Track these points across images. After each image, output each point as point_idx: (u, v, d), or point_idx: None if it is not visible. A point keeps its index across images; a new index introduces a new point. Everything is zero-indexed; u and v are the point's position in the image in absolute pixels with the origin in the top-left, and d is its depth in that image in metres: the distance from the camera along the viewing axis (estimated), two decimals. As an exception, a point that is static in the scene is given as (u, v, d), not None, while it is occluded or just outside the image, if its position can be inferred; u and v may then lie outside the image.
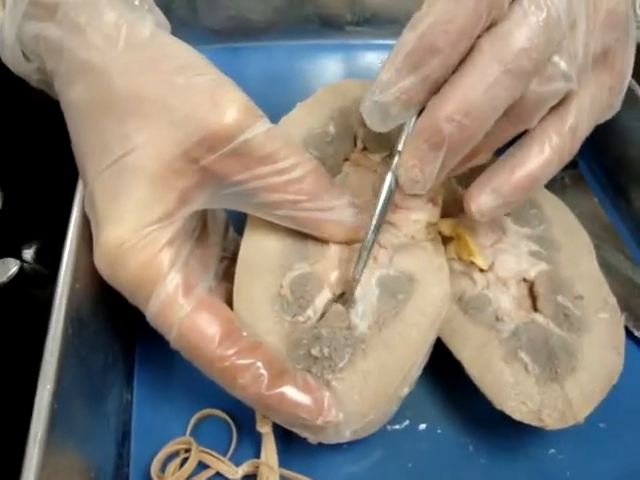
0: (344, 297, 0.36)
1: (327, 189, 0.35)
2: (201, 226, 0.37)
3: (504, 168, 0.34)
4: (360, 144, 0.44)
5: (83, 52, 0.33)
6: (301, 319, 0.35)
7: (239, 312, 0.35)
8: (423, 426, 0.40)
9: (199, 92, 0.32)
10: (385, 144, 0.43)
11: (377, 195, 0.34)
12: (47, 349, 0.32)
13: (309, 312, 0.35)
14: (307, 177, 0.34)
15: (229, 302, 0.36)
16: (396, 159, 0.33)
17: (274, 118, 0.34)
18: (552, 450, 0.39)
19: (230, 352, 0.32)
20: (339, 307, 0.35)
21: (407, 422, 0.40)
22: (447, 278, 0.38)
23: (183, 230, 0.34)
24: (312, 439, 0.35)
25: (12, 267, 0.45)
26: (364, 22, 0.61)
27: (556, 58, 0.30)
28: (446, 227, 0.41)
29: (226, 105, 0.32)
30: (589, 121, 0.34)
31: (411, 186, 0.32)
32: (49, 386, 0.30)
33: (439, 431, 0.40)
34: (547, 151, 0.33)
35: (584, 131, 0.34)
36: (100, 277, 0.33)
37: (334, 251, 0.38)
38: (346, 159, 0.44)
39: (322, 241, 0.38)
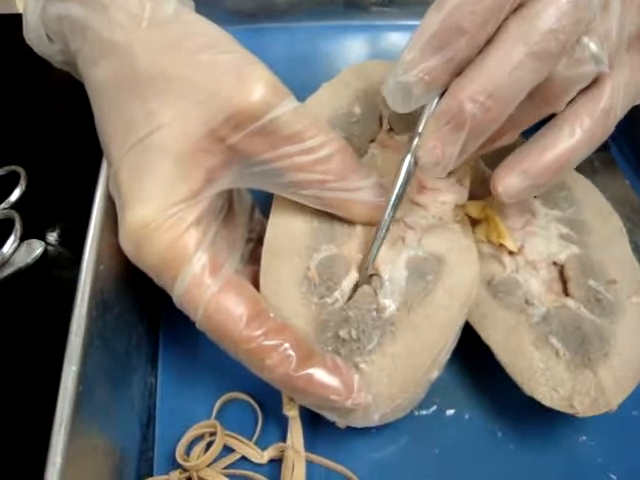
0: (370, 278, 0.36)
1: (354, 169, 0.35)
2: (227, 206, 0.37)
3: (533, 149, 0.33)
4: (386, 125, 0.43)
5: (107, 31, 0.33)
6: (329, 301, 0.35)
7: (266, 294, 0.35)
8: (451, 411, 0.40)
9: (225, 70, 0.32)
10: (411, 125, 0.42)
11: (395, 177, 0.33)
12: (72, 331, 0.32)
13: (336, 294, 0.35)
14: (334, 156, 0.34)
15: (255, 284, 0.35)
16: (416, 141, 0.32)
17: (298, 99, 0.33)
18: (583, 437, 0.39)
19: (257, 333, 0.32)
20: (367, 289, 0.35)
21: (435, 407, 0.40)
22: (476, 259, 0.37)
23: (210, 210, 0.33)
24: (340, 422, 0.34)
25: (37, 248, 0.45)
26: (389, 2, 0.60)
27: (585, 40, 0.29)
28: (474, 209, 0.40)
29: (253, 83, 0.31)
30: (623, 104, 0.33)
31: (431, 168, 0.31)
32: (74, 368, 0.30)
33: (467, 417, 0.39)
34: (578, 133, 0.32)
35: (618, 114, 0.33)
36: (124, 259, 0.33)
37: (360, 232, 0.37)
38: (372, 140, 0.43)
39: (348, 222, 0.37)
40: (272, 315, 0.33)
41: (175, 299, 0.33)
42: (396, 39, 0.61)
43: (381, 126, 0.43)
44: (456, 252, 0.37)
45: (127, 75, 0.33)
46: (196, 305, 0.32)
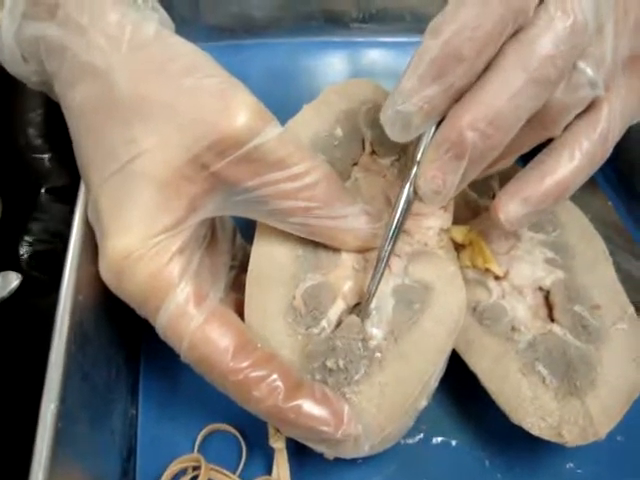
0: (359, 307, 0.35)
1: (340, 196, 0.34)
2: (210, 234, 0.36)
3: (533, 175, 0.32)
4: (369, 147, 0.43)
5: (85, 54, 0.32)
6: (315, 331, 0.34)
7: (251, 324, 0.34)
8: (438, 440, 0.39)
9: (208, 95, 0.31)
10: (393, 148, 0.42)
11: (394, 207, 0.33)
12: (50, 366, 0.30)
13: (323, 323, 0.34)
14: (319, 183, 0.33)
15: (239, 313, 0.34)
16: (414, 170, 0.31)
17: (278, 116, 0.33)
18: (570, 464, 0.39)
19: (244, 364, 0.31)
20: (354, 318, 0.34)
21: (421, 436, 0.39)
22: (462, 286, 0.37)
23: (193, 238, 0.33)
24: (329, 454, 0.34)
25: (13, 281, 0.43)
26: (369, 19, 0.60)
27: (582, 64, 0.30)
28: (458, 234, 0.40)
29: (237, 108, 0.31)
30: (620, 125, 0.33)
31: (432, 198, 0.31)
32: (52, 405, 0.29)
33: (454, 445, 0.39)
34: (578, 157, 0.32)
35: (616, 136, 0.33)
36: (103, 288, 0.32)
37: (346, 260, 0.37)
38: (355, 163, 0.42)
39: (334, 250, 0.37)
40: (259, 345, 0.32)
41: (159, 330, 0.32)
42: (376, 56, 0.61)
43: (363, 149, 0.43)
44: (442, 279, 0.36)
45: (107, 99, 0.32)
46: (181, 337, 0.31)
